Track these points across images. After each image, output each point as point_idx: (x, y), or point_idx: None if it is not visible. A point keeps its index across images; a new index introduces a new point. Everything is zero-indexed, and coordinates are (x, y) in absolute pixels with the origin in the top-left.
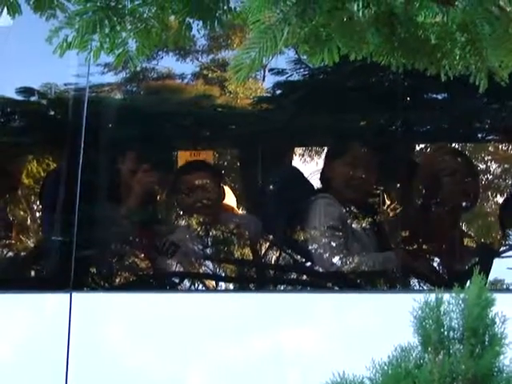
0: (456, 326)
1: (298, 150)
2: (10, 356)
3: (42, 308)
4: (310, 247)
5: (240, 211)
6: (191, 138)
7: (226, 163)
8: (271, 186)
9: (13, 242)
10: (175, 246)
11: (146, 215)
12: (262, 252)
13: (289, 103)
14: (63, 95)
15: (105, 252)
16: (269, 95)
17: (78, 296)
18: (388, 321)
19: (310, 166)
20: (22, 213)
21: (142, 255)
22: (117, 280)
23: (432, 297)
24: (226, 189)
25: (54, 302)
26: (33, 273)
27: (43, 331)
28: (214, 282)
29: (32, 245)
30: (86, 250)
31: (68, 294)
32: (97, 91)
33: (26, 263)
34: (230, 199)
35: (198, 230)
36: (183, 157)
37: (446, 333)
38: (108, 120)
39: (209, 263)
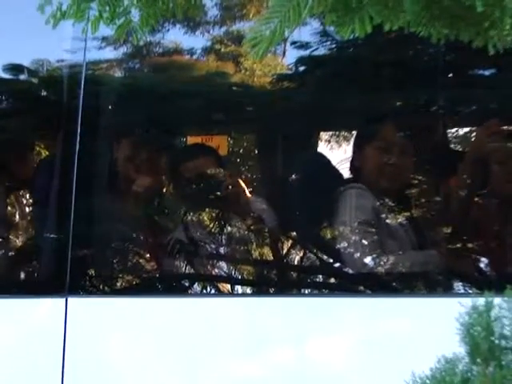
0: (508, 333)
1: (325, 135)
2: (4, 362)
3: (36, 313)
4: (339, 245)
5: (258, 205)
6: (203, 122)
7: (241, 150)
8: (294, 176)
9: (3, 241)
10: (182, 244)
11: (151, 210)
12: (284, 251)
13: (314, 81)
14: (56, 73)
15: (104, 252)
16: (291, 72)
17: (73, 301)
18: (430, 328)
19: (338, 152)
20: (11, 208)
21: (146, 255)
22: (116, 283)
23: (481, 301)
24: (242, 179)
25: (48, 306)
26: (24, 275)
27: (38, 337)
28: (227, 285)
29: (23, 244)
30: (83, 250)
31: (63, 299)
32: (95, 69)
33: (16, 265)
34: (247, 191)
35: (209, 225)
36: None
37: (496, 341)
38: (108, 102)
39: (222, 263)
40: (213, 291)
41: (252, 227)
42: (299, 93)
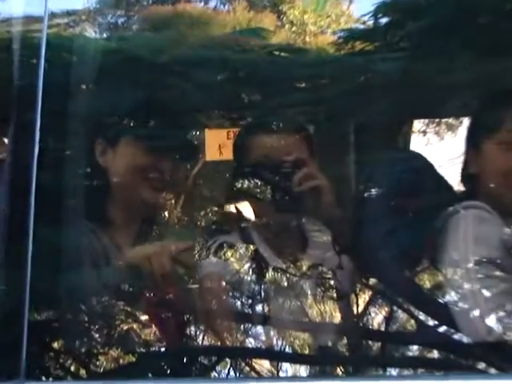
0: None
1: (420, 124)
2: None
3: None
4: (448, 299)
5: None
6: (227, 108)
7: (291, 148)
8: (374, 188)
9: None
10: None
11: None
12: (357, 306)
13: (403, 42)
14: (8, 31)
15: (72, 324)
16: (363, 29)
17: None
18: None
19: (442, 151)
20: None
21: (145, 318)
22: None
23: None
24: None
25: None
26: None
27: None
28: (267, 363)
29: None
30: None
31: None
32: (64, 26)
33: None
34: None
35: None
36: (214, 138)
37: None
38: (85, 77)
39: (258, 328)
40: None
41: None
42: (379, 61)
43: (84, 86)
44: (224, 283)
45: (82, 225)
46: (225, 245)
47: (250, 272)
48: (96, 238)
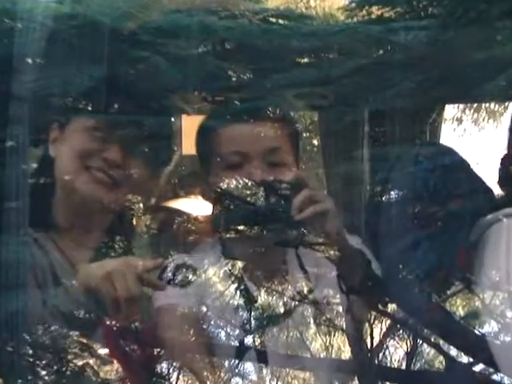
0: None
1: (454, 112)
2: None
3: None
4: (486, 325)
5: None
6: (210, 89)
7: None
8: (393, 190)
9: None
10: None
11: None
12: (374, 339)
13: (427, 9)
14: None
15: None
16: None
17: None
18: None
19: (480, 144)
20: None
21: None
22: None
23: None
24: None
25: None
26: None
27: None
28: None
29: None
30: None
31: None
32: None
33: None
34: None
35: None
36: (193, 127)
37: None
38: (27, 43)
39: (247, 366)
40: None
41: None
42: (401, 30)
43: (30, 60)
44: (186, 316)
45: (22, 233)
46: (184, 269)
47: (230, 294)
48: (41, 249)
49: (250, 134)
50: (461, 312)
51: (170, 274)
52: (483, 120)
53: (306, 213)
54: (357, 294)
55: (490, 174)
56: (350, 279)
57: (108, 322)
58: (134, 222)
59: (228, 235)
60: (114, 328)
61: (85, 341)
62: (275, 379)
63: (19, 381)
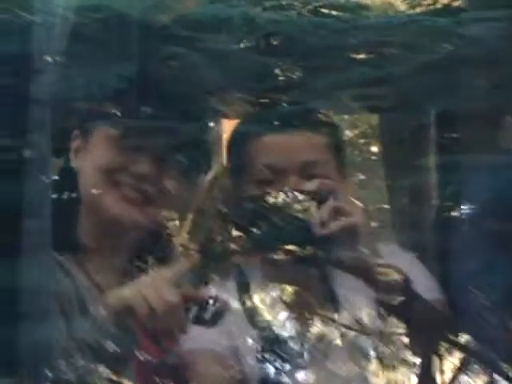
0: None
1: None
2: None
3: None
4: None
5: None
6: (254, 90)
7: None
8: (465, 204)
9: None
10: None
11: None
12: (445, 374)
13: None
14: None
15: None
16: None
17: None
18: None
19: None
20: None
21: None
22: None
23: None
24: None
25: None
26: None
27: None
28: None
29: None
30: None
31: None
32: None
33: None
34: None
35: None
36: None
37: None
38: (45, 39)
39: None
40: None
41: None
42: (472, 22)
43: (50, 59)
44: (224, 360)
45: (45, 256)
46: (218, 304)
47: (278, 324)
48: (65, 274)
49: (285, 144)
50: None
51: (201, 308)
52: None
53: (329, 228)
54: (420, 322)
55: None
56: (408, 305)
57: (141, 356)
58: (170, 242)
59: (270, 256)
60: (148, 363)
61: (115, 377)
62: None
63: None
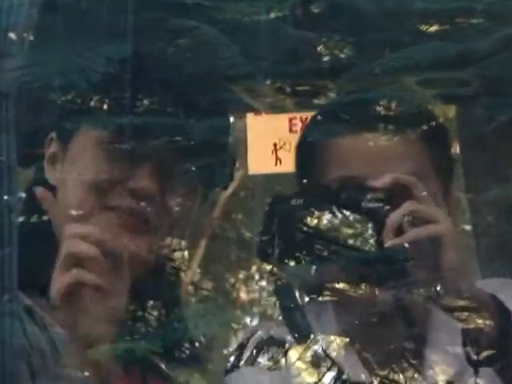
0: None
1: None
2: None
3: None
4: None
5: None
6: (290, 75)
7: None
8: None
9: None
10: None
11: None
12: None
13: None
14: None
15: None
16: None
17: None
18: None
19: None
20: None
21: None
22: None
23: None
24: None
25: None
26: None
27: None
28: None
29: None
30: None
31: None
32: None
33: None
34: None
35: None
36: (263, 130)
37: None
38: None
39: None
40: None
41: None
42: None
43: (15, 37)
44: None
45: (8, 299)
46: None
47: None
48: (36, 323)
49: (365, 149)
50: None
51: (250, 353)
52: None
53: (405, 236)
54: None
55: None
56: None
57: None
58: (176, 280)
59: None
60: None
61: None
62: None
63: None
